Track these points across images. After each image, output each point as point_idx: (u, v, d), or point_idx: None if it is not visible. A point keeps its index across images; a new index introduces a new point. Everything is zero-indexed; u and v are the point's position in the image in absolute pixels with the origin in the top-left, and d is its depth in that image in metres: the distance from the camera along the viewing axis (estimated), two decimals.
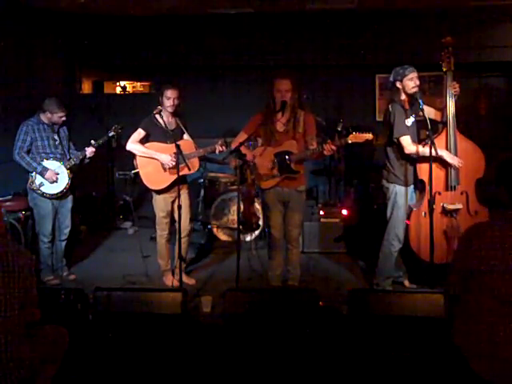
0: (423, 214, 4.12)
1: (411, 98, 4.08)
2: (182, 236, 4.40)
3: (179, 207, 4.16)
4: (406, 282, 4.44)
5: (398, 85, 4.06)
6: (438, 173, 4.11)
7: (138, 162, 4.48)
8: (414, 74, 4.02)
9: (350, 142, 3.93)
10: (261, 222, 5.76)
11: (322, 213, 5.66)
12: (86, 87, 7.91)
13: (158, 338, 3.21)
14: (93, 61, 7.43)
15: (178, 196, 4.19)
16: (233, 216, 5.92)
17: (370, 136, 3.92)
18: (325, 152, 3.95)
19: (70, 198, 4.81)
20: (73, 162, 4.70)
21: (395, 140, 4.06)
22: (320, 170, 6.47)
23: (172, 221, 4.61)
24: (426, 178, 4.03)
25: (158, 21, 6.84)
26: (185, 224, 4.46)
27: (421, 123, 4.11)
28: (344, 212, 5.68)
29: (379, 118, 6.93)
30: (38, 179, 4.58)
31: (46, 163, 4.60)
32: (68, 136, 4.84)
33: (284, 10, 6.56)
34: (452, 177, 4.13)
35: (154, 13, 6.60)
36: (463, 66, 4.39)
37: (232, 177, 6.17)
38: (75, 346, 2.82)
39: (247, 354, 3.11)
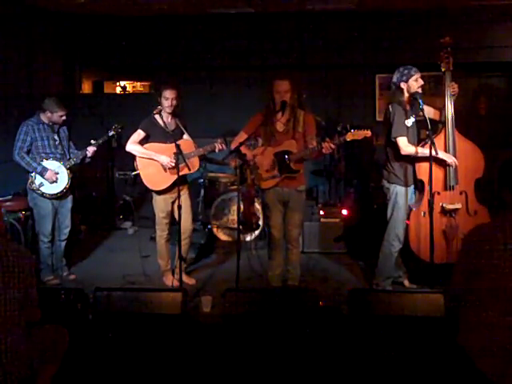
0: (423, 213, 4.12)
1: (411, 98, 4.08)
2: (184, 237, 4.41)
3: (179, 207, 4.16)
4: (406, 282, 4.44)
5: (403, 85, 4.06)
6: (437, 173, 4.10)
7: (139, 163, 4.47)
8: (419, 75, 4.04)
9: (348, 139, 3.93)
10: (261, 222, 5.76)
11: (322, 213, 5.66)
12: (86, 87, 7.91)
13: (157, 338, 3.21)
14: (93, 61, 7.44)
15: (178, 196, 4.19)
16: (233, 216, 5.92)
17: (368, 133, 3.91)
18: (323, 150, 3.95)
19: (70, 198, 4.82)
20: (73, 162, 4.70)
21: (393, 140, 4.07)
22: (320, 170, 6.47)
23: (172, 221, 4.61)
24: (425, 178, 4.03)
25: (157, 21, 6.84)
26: (186, 224, 4.47)
27: (421, 123, 4.11)
28: (344, 212, 5.68)
29: (379, 118, 6.93)
30: (38, 179, 4.58)
31: (45, 163, 4.60)
32: (68, 136, 4.84)
33: (284, 10, 6.56)
34: (450, 176, 4.13)
35: (154, 13, 6.60)
36: (463, 66, 4.39)
37: (232, 177, 6.17)
38: (75, 345, 2.82)
39: (247, 354, 3.11)
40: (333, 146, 3.93)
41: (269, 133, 4.18)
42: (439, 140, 4.12)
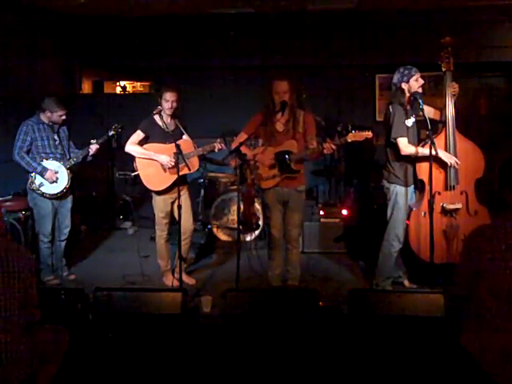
0: (423, 213, 4.12)
1: (411, 98, 4.08)
2: (185, 237, 4.41)
3: (179, 207, 4.16)
4: (406, 282, 4.44)
5: (404, 86, 4.06)
6: (438, 173, 4.11)
7: (138, 163, 4.47)
8: (419, 74, 4.05)
9: (349, 140, 3.94)
10: (261, 222, 5.76)
11: (322, 213, 5.66)
12: (86, 87, 7.91)
13: (157, 338, 3.21)
14: (93, 61, 7.43)
15: (178, 196, 4.18)
16: (233, 216, 5.92)
17: (369, 134, 3.92)
18: (324, 151, 3.96)
19: (70, 198, 4.81)
20: (73, 162, 4.70)
21: (393, 140, 4.07)
22: (320, 170, 6.47)
23: (173, 221, 4.61)
24: (425, 178, 4.04)
25: (157, 21, 6.84)
26: (187, 225, 4.47)
27: (421, 123, 4.12)
28: (344, 212, 5.67)
29: (379, 118, 6.94)
30: (38, 179, 4.57)
31: (45, 163, 4.60)
32: (68, 136, 4.84)
33: (284, 10, 6.56)
34: (451, 176, 4.13)
35: (154, 13, 6.60)
36: (463, 66, 4.39)
37: (232, 177, 6.17)
38: (75, 345, 2.82)
39: (247, 354, 3.11)
40: (334, 146, 3.94)
41: (269, 133, 4.18)
42: (440, 140, 4.12)
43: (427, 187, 3.97)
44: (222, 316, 3.50)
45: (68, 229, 4.84)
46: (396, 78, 4.10)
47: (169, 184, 4.42)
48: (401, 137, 4.04)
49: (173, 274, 4.65)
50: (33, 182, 4.58)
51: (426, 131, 3.88)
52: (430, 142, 3.80)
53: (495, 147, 5.32)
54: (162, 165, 4.41)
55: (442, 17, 6.31)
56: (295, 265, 4.40)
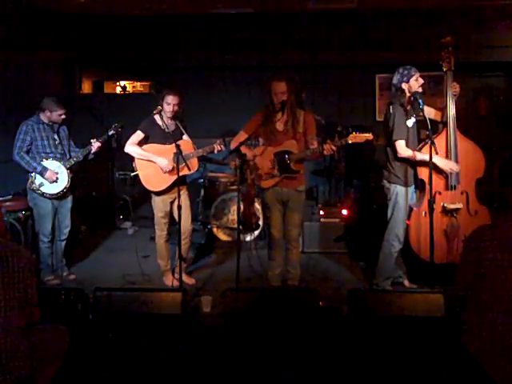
0: (423, 213, 4.11)
1: (412, 98, 4.08)
2: (184, 237, 4.40)
3: (179, 207, 4.16)
4: (406, 282, 4.44)
5: (404, 86, 4.06)
6: (439, 173, 4.11)
7: (137, 164, 4.47)
8: (418, 74, 4.05)
9: (350, 142, 3.95)
10: (261, 222, 5.76)
11: (322, 213, 5.66)
12: (86, 87, 7.91)
13: (157, 338, 3.21)
14: (93, 61, 7.43)
15: (178, 196, 4.18)
16: (233, 216, 5.92)
17: (369, 136, 3.94)
18: (325, 152, 3.97)
19: (70, 197, 4.81)
20: (73, 162, 4.70)
21: (394, 142, 4.07)
22: (320, 170, 6.47)
23: (172, 221, 4.61)
24: (426, 178, 4.03)
25: (158, 21, 6.84)
26: (186, 225, 4.47)
27: (421, 123, 4.11)
28: (344, 212, 5.67)
29: (379, 118, 6.94)
30: (38, 179, 4.57)
31: (45, 163, 4.60)
32: (68, 135, 4.84)
33: (284, 10, 6.56)
34: (452, 176, 4.13)
35: (154, 13, 6.60)
36: (463, 66, 4.39)
37: (232, 177, 6.17)
38: (75, 345, 2.81)
39: (247, 354, 3.11)
40: (334, 147, 3.95)
41: (269, 132, 4.19)
42: (440, 140, 4.12)
43: (427, 187, 3.96)
44: (222, 316, 3.50)
45: (68, 229, 4.84)
46: (396, 78, 4.10)
47: (168, 184, 4.42)
48: (400, 139, 4.04)
49: (173, 274, 4.65)
50: (33, 182, 4.58)
51: (426, 131, 3.88)
52: (429, 143, 3.80)
53: (495, 147, 5.32)
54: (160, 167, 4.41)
55: (442, 17, 6.31)
56: (295, 265, 4.40)
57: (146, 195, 4.83)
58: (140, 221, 6.63)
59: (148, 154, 4.42)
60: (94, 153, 4.75)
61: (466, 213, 4.17)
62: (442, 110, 4.20)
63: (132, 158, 4.49)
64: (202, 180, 6.28)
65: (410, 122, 4.09)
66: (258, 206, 5.69)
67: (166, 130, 4.36)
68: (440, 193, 4.15)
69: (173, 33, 6.97)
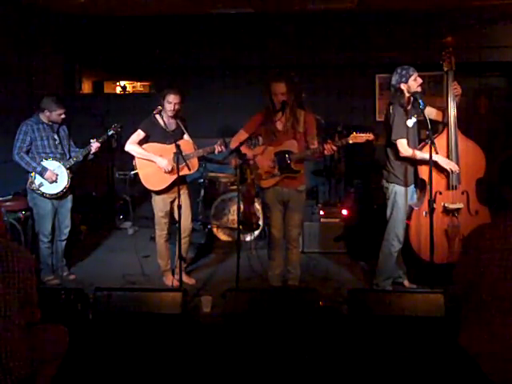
0: (424, 213, 4.11)
1: (412, 98, 4.08)
2: (183, 236, 4.40)
3: (179, 207, 4.16)
4: (406, 282, 4.44)
5: (403, 86, 4.06)
6: (439, 172, 4.11)
7: (137, 163, 4.47)
8: (416, 74, 4.04)
9: (350, 142, 3.96)
10: (261, 222, 5.76)
11: (322, 213, 5.65)
12: (86, 87, 7.91)
13: (158, 338, 3.21)
14: (93, 61, 7.43)
15: (178, 196, 4.18)
16: (233, 216, 5.92)
17: (370, 136, 3.94)
18: (325, 152, 3.98)
19: (70, 197, 4.81)
20: (73, 162, 4.70)
21: (393, 142, 4.07)
22: (320, 170, 6.47)
23: (172, 221, 4.61)
24: (426, 178, 4.03)
25: (157, 21, 6.84)
26: (186, 224, 4.46)
27: (421, 123, 4.12)
28: (344, 212, 5.67)
29: (379, 118, 6.94)
30: (38, 179, 4.57)
31: (45, 163, 4.59)
32: (68, 135, 4.83)
33: (284, 10, 6.56)
34: (453, 176, 4.13)
35: (154, 13, 6.60)
36: (463, 66, 4.38)
37: (232, 177, 6.16)
38: (75, 345, 2.81)
39: (247, 354, 3.11)
40: (334, 147, 3.96)
41: (269, 132, 4.19)
42: (441, 140, 4.12)
43: (428, 187, 3.96)
44: (222, 316, 3.50)
45: (68, 229, 4.84)
46: (394, 79, 4.10)
47: (168, 184, 4.42)
48: (401, 138, 4.04)
49: (173, 274, 4.65)
50: (33, 182, 4.58)
51: (426, 131, 3.88)
52: (430, 143, 3.80)
53: (495, 147, 5.32)
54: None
55: (442, 17, 6.31)
56: (295, 265, 4.40)
57: (146, 195, 4.83)
58: (140, 221, 6.63)
59: (148, 153, 4.42)
60: (94, 153, 4.74)
61: (467, 213, 4.17)
62: (443, 110, 4.20)
63: (132, 157, 4.50)
64: (201, 180, 6.28)
65: (411, 122, 4.09)
66: (258, 206, 5.69)
67: (167, 130, 4.37)
68: (441, 193, 4.15)
69: (173, 33, 6.97)
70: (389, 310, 3.25)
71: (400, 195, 4.17)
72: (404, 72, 4.04)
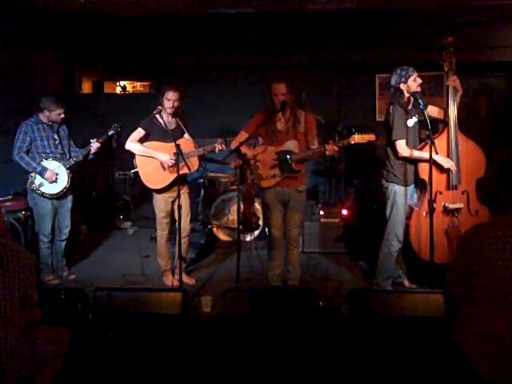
0: (424, 213, 4.11)
1: (412, 98, 4.08)
2: (183, 236, 4.40)
3: (179, 207, 4.16)
4: (406, 282, 4.44)
5: (402, 87, 4.06)
6: (440, 172, 4.12)
7: (138, 161, 4.47)
8: (416, 74, 4.04)
9: (352, 142, 3.96)
10: (261, 222, 5.76)
11: (322, 213, 5.65)
12: (86, 87, 7.91)
13: (157, 338, 3.21)
14: (93, 61, 7.43)
15: (178, 196, 4.18)
16: (233, 216, 5.92)
17: (372, 137, 3.95)
18: (327, 152, 3.98)
19: (70, 197, 4.81)
20: (73, 162, 4.70)
21: (393, 141, 4.08)
22: (320, 170, 6.47)
23: (172, 221, 4.61)
24: (426, 178, 4.03)
25: (157, 21, 6.84)
26: (185, 224, 4.46)
27: (422, 123, 4.12)
28: (344, 212, 5.67)
29: (379, 118, 6.94)
30: (38, 179, 4.57)
31: (45, 163, 4.59)
32: (68, 135, 4.83)
33: (284, 10, 6.56)
34: (453, 176, 4.13)
35: (154, 13, 6.60)
36: (463, 66, 4.38)
37: (232, 177, 6.16)
38: (75, 345, 2.81)
39: (247, 354, 3.11)
40: (336, 148, 3.96)
41: (270, 132, 4.19)
42: (442, 140, 4.12)
43: (428, 187, 3.96)
44: (221, 316, 3.50)
45: (68, 229, 4.84)
46: (393, 79, 4.10)
47: (168, 183, 4.42)
48: (400, 139, 4.05)
49: (173, 274, 4.65)
50: (33, 182, 4.58)
51: (426, 131, 3.89)
52: (430, 142, 3.80)
53: (495, 147, 5.31)
54: (161, 163, 4.41)
55: (442, 17, 6.31)
56: (295, 265, 4.40)
57: (146, 195, 4.83)
58: (140, 221, 6.63)
59: (149, 150, 4.42)
60: (94, 153, 4.74)
61: (467, 213, 4.17)
62: (445, 109, 4.20)
63: (132, 157, 4.50)
64: (202, 180, 6.28)
65: (411, 122, 4.09)
66: (258, 205, 5.69)
67: (167, 129, 4.36)
68: (441, 192, 4.15)
69: (173, 33, 6.97)
70: (389, 310, 3.25)
71: (399, 195, 4.17)
72: (403, 72, 4.04)
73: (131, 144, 4.45)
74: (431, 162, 3.80)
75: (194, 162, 4.47)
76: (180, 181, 4.23)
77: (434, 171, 3.90)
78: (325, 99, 6.93)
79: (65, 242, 4.84)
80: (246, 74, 7.13)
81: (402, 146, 4.05)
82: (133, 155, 4.49)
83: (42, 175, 4.56)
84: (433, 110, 4.17)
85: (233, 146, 4.21)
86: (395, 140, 4.05)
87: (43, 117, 4.63)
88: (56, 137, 4.70)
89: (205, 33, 6.89)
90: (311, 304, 3.36)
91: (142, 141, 4.47)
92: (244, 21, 6.78)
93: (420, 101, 3.86)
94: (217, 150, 4.40)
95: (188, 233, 4.61)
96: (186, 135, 4.51)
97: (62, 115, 4.66)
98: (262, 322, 3.29)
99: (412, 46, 6.52)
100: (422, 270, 4.16)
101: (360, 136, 3.95)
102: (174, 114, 4.48)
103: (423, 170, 4.07)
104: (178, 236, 4.32)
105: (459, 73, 4.16)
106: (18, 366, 2.37)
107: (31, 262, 2.53)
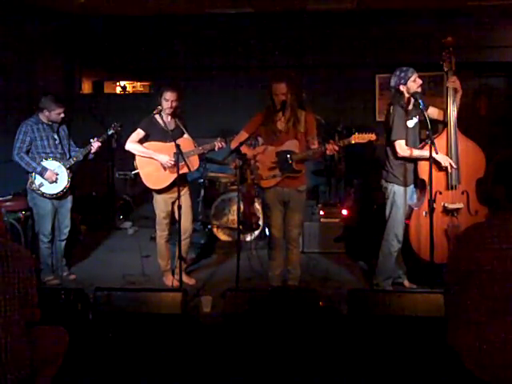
0: (424, 213, 4.11)
1: (412, 98, 4.08)
2: (184, 237, 4.40)
3: (179, 207, 4.16)
4: (406, 282, 4.44)
5: (402, 88, 4.06)
6: (439, 172, 4.11)
7: (138, 162, 4.47)
8: (416, 75, 4.04)
9: (353, 142, 3.96)
10: (261, 222, 5.76)
11: (322, 213, 5.65)
12: (86, 87, 7.91)
13: (157, 338, 3.21)
14: (93, 61, 7.43)
15: (178, 196, 4.18)
16: (233, 216, 5.92)
17: (372, 137, 3.94)
18: (328, 152, 3.99)
19: (70, 197, 4.81)
20: (73, 162, 4.70)
21: (392, 142, 4.08)
22: (320, 170, 6.47)
23: (173, 221, 4.61)
24: (426, 178, 4.03)
25: (157, 21, 6.84)
26: (186, 225, 4.46)
27: (422, 123, 4.12)
28: (344, 212, 5.67)
29: (379, 118, 6.94)
30: (38, 179, 4.57)
31: (45, 163, 4.59)
32: (68, 135, 4.83)
33: (284, 10, 6.56)
34: (453, 176, 4.13)
35: (153, 13, 6.60)
36: (463, 66, 4.38)
37: (232, 177, 6.16)
38: (75, 346, 2.81)
39: (247, 354, 3.11)
40: (336, 147, 3.96)
41: (270, 132, 4.18)
42: (441, 140, 4.12)
43: (428, 187, 3.97)
44: (222, 316, 3.50)
45: (68, 229, 4.83)
46: (393, 80, 4.10)
47: (168, 183, 4.41)
48: (400, 139, 4.05)
49: (173, 274, 4.65)
50: (33, 183, 4.58)
51: (426, 131, 3.89)
52: (430, 143, 3.80)
53: (495, 147, 5.31)
54: (161, 164, 4.41)
55: (442, 17, 6.31)
56: (295, 265, 4.40)
57: (146, 195, 4.83)
58: (140, 221, 6.63)
59: (148, 151, 4.42)
60: (94, 152, 4.74)
61: (467, 213, 4.17)
62: (445, 109, 4.20)
63: (133, 157, 4.49)
64: (202, 180, 6.28)
65: (411, 123, 4.09)
66: (258, 205, 5.69)
67: (166, 129, 4.36)
68: (441, 192, 4.15)
69: (172, 33, 6.97)
70: (389, 310, 3.25)
71: (399, 195, 4.17)
72: (403, 74, 4.04)
73: (131, 145, 4.45)
74: (431, 161, 3.80)
75: (194, 162, 4.46)
76: (180, 181, 4.23)
77: (434, 171, 3.90)
78: (325, 99, 6.93)
79: (65, 241, 4.83)
80: (245, 74, 7.13)
81: (401, 146, 4.05)
82: (133, 155, 4.48)
83: (42, 175, 4.55)
84: (433, 112, 4.17)
85: (233, 146, 4.21)
86: (395, 140, 4.05)
87: (43, 117, 4.63)
88: (56, 137, 4.69)
89: (205, 33, 6.89)
90: (311, 304, 3.36)
91: (141, 141, 4.47)
92: (244, 21, 6.78)
93: (420, 101, 3.86)
94: (216, 148, 4.40)
95: (189, 234, 4.61)
96: (186, 135, 4.51)
97: (62, 115, 4.66)
98: (262, 322, 3.29)
99: (412, 46, 6.52)
100: (422, 269, 4.16)
101: (360, 135, 3.95)
102: (173, 115, 4.48)
103: (423, 170, 4.07)
104: (178, 236, 4.31)
105: (459, 73, 4.16)
106: (18, 366, 2.37)
107: (31, 262, 2.53)
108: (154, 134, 4.45)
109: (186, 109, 4.75)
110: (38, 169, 4.54)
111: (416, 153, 4.05)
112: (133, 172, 4.55)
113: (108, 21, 6.89)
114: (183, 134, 4.49)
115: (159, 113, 4.32)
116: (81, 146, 4.80)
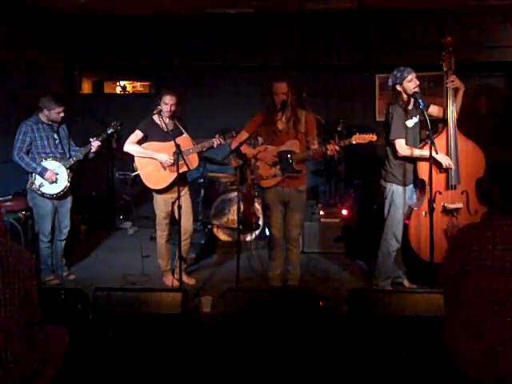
0: (424, 213, 4.12)
1: (411, 98, 4.08)
2: (185, 238, 4.40)
3: (179, 207, 4.16)
4: (406, 282, 4.44)
5: (399, 88, 4.06)
6: (439, 172, 4.12)
7: (138, 162, 4.47)
8: (413, 75, 4.03)
9: (354, 142, 3.97)
10: (261, 222, 5.76)
11: (322, 213, 5.66)
12: (86, 87, 7.91)
13: (157, 338, 3.21)
14: (93, 61, 7.42)
15: (178, 196, 4.18)
16: (233, 216, 5.92)
17: (373, 137, 3.95)
18: (328, 152, 3.99)
19: (70, 198, 4.80)
20: (73, 161, 4.69)
21: (391, 141, 4.08)
22: (320, 170, 6.47)
23: (173, 221, 4.61)
24: (426, 178, 4.03)
25: (157, 21, 6.84)
26: (187, 225, 4.46)
27: (422, 123, 4.12)
28: (344, 212, 5.68)
29: (379, 118, 6.94)
30: (38, 180, 4.57)
31: (45, 163, 4.59)
32: (68, 134, 4.83)
33: (284, 10, 6.56)
34: (452, 176, 4.14)
35: (153, 13, 6.60)
36: (463, 66, 4.38)
37: (232, 177, 6.16)
38: (75, 345, 2.81)
39: (247, 354, 3.11)
40: (337, 148, 3.96)
41: (270, 132, 4.19)
42: (441, 139, 4.12)
43: (428, 187, 3.97)
44: (222, 316, 3.50)
45: (68, 229, 4.83)
46: (390, 80, 4.11)
47: (169, 182, 4.41)
48: (399, 138, 4.05)
49: (173, 274, 4.65)
50: (33, 183, 4.57)
51: (426, 131, 3.89)
52: (430, 142, 3.80)
53: (495, 147, 5.32)
54: (161, 163, 4.41)
55: (442, 17, 6.31)
56: (295, 265, 4.41)
57: (146, 195, 4.83)
58: (140, 221, 6.63)
59: (147, 151, 4.42)
60: (95, 152, 4.74)
61: (467, 213, 4.17)
62: (445, 108, 4.20)
63: (132, 158, 4.49)
64: (202, 180, 6.28)
65: (411, 123, 4.09)
66: (258, 205, 5.69)
67: (165, 130, 4.36)
68: (440, 192, 4.15)
69: (172, 33, 6.97)
70: (389, 310, 3.25)
71: (397, 194, 4.17)
72: (399, 74, 4.04)
73: (129, 146, 4.45)
74: (431, 161, 3.80)
75: (194, 160, 4.46)
76: (180, 181, 4.23)
77: (434, 171, 3.90)
78: (325, 99, 6.92)
79: (64, 241, 4.83)
80: (245, 74, 7.13)
81: (401, 146, 4.05)
82: (133, 157, 4.48)
83: (42, 176, 4.55)
84: (434, 110, 4.18)
85: (233, 145, 4.21)
86: (394, 139, 4.06)
87: (43, 116, 4.63)
88: (56, 136, 4.69)
89: (205, 33, 6.89)
90: (311, 304, 3.36)
91: (140, 142, 4.47)
92: (244, 21, 6.78)
93: (420, 101, 3.86)
94: (215, 145, 4.39)
95: (190, 234, 4.61)
96: (185, 134, 4.50)
97: (62, 114, 4.66)
98: (262, 322, 3.29)
99: (412, 46, 6.51)
100: (422, 270, 4.16)
101: (361, 136, 3.95)
102: (172, 117, 4.48)
103: (422, 170, 4.08)
104: (178, 236, 4.31)
105: (459, 73, 4.16)
106: (18, 366, 2.37)
107: (31, 262, 2.54)
108: (152, 134, 4.45)
109: (185, 109, 4.75)
110: (38, 169, 4.54)
111: (416, 152, 4.05)
112: (133, 173, 4.54)
113: (108, 21, 6.89)
114: (182, 134, 4.49)
115: (158, 113, 4.32)
116: (81, 146, 4.80)
